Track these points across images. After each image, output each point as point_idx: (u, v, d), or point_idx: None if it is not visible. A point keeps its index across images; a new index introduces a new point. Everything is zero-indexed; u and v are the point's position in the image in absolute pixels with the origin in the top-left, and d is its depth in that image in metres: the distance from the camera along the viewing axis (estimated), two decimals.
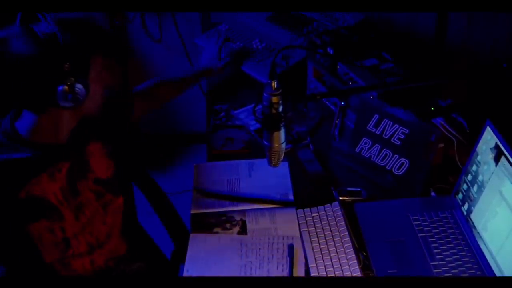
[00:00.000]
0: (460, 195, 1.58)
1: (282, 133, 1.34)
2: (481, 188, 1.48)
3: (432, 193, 1.66)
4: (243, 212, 1.66)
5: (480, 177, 1.49)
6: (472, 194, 1.51)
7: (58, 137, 1.47)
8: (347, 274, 1.45)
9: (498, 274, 1.38)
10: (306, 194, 1.71)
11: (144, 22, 2.56)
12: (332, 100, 1.94)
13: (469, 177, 1.54)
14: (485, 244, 1.44)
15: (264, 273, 1.48)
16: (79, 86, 1.35)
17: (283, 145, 1.36)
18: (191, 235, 1.60)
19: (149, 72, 2.73)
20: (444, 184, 1.67)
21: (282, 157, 1.39)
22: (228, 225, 1.63)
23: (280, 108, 1.30)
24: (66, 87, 1.33)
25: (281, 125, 1.31)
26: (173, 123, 2.99)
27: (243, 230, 1.61)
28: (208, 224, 1.63)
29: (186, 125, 2.98)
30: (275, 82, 1.26)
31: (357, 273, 1.45)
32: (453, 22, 2.27)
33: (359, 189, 1.69)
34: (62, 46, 1.33)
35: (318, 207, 1.65)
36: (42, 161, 1.46)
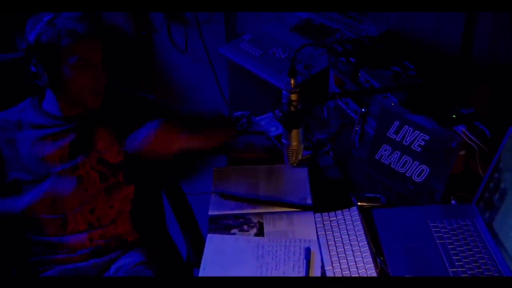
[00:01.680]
0: (481, 203, 1.55)
1: (300, 132, 1.33)
2: (503, 196, 1.45)
3: (453, 201, 1.63)
4: (260, 214, 1.66)
5: (502, 185, 1.46)
6: (494, 202, 1.48)
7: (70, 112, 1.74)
8: None
9: None
10: (325, 199, 1.69)
11: (170, 32, 2.60)
12: (353, 107, 1.94)
13: (491, 185, 1.51)
14: (507, 253, 1.41)
15: (279, 275, 1.47)
16: None
17: (301, 144, 1.36)
18: (209, 235, 1.59)
19: (174, 82, 2.75)
20: (465, 192, 1.64)
21: (300, 156, 1.39)
22: (245, 227, 1.62)
23: (299, 107, 1.29)
24: None
25: (300, 124, 1.31)
26: None
27: (260, 232, 1.60)
28: (225, 226, 1.62)
29: None
30: (294, 80, 1.26)
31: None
32: (479, 35, 2.25)
33: (378, 195, 1.67)
34: None
35: (336, 211, 1.64)
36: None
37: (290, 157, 1.38)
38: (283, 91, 1.27)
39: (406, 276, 1.40)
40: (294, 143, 1.34)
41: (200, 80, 2.73)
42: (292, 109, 1.27)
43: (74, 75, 1.65)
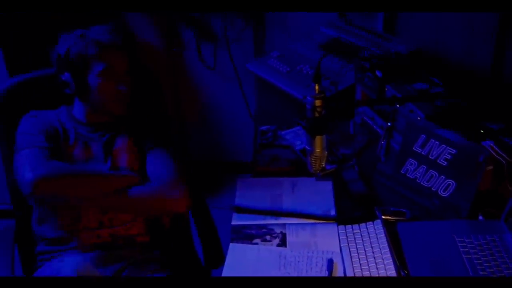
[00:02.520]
0: (510, 219, 1.51)
1: (324, 138, 1.33)
2: None
3: (480, 217, 1.60)
4: (283, 225, 1.64)
5: None
6: None
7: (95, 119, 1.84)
8: None
9: None
10: (349, 212, 1.68)
11: (199, 49, 2.64)
12: (379, 123, 1.92)
13: None
14: None
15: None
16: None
17: (325, 151, 1.35)
18: (231, 244, 1.59)
19: (202, 98, 2.78)
20: (493, 208, 1.60)
21: (323, 163, 1.38)
22: (268, 237, 1.61)
23: (323, 113, 1.29)
24: None
25: (324, 130, 1.30)
26: (221, 152, 3.01)
27: (282, 243, 1.59)
28: (248, 235, 1.62)
29: (233, 154, 3.00)
30: (319, 86, 1.26)
31: None
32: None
33: (403, 210, 1.65)
34: None
35: (360, 224, 1.61)
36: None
37: (314, 164, 1.37)
38: (308, 97, 1.27)
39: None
40: (318, 150, 1.33)
41: (227, 96, 2.75)
42: (316, 115, 1.26)
43: (99, 82, 1.74)
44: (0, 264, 1.72)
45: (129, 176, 1.76)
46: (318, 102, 1.26)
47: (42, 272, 1.71)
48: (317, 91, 1.26)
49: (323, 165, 1.38)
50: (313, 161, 1.36)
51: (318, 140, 1.32)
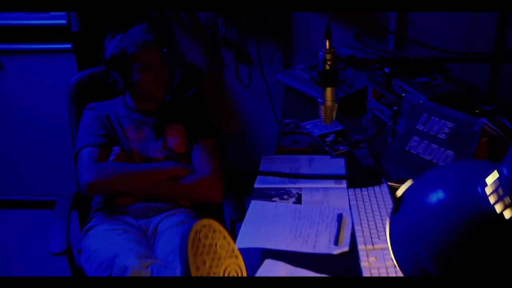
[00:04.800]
0: None
1: (334, 90, 1.32)
2: None
3: None
4: (299, 188, 1.63)
5: None
6: None
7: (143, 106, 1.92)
8: None
9: None
10: (359, 180, 1.65)
11: (237, 69, 2.70)
12: (387, 113, 1.91)
13: None
14: None
15: (313, 233, 1.42)
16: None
17: (335, 103, 1.34)
18: (252, 201, 1.58)
19: (238, 111, 2.82)
20: None
21: (334, 115, 1.36)
22: (285, 196, 1.60)
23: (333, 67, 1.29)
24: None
25: (334, 82, 1.30)
26: (253, 161, 3.01)
27: (298, 201, 1.57)
28: (267, 195, 1.61)
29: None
30: (329, 42, 1.27)
31: None
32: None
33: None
34: None
35: (368, 187, 1.59)
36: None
37: (324, 114, 1.36)
38: (319, 52, 1.27)
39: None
40: (329, 101, 1.33)
41: (259, 110, 2.79)
42: (327, 67, 1.27)
43: (140, 77, 1.79)
44: (60, 222, 1.75)
45: (172, 169, 1.77)
46: (328, 56, 1.27)
47: (95, 221, 1.73)
48: (327, 47, 1.27)
49: (334, 117, 1.36)
50: (324, 112, 1.35)
51: (329, 91, 1.32)
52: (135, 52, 1.79)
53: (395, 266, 1.26)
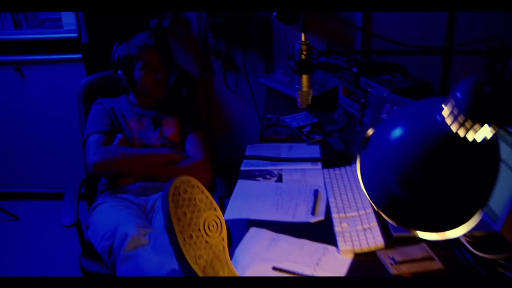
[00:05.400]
0: None
1: (309, 78, 1.27)
2: None
3: None
4: (280, 170, 1.57)
5: None
6: None
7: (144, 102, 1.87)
8: (361, 210, 1.29)
9: None
10: (332, 162, 1.59)
11: (225, 76, 2.63)
12: (356, 107, 1.86)
13: None
14: None
15: (292, 205, 1.36)
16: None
17: (310, 89, 1.28)
18: (239, 180, 1.52)
19: (226, 114, 2.75)
20: None
21: (310, 99, 1.31)
22: (268, 176, 1.54)
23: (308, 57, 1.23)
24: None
25: (309, 70, 1.24)
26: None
27: (279, 180, 1.51)
28: (252, 175, 1.55)
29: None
30: (304, 35, 1.22)
31: (369, 208, 1.29)
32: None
33: None
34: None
35: (340, 167, 1.53)
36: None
37: (301, 99, 1.30)
38: (296, 44, 1.22)
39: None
40: (305, 87, 1.27)
41: (244, 111, 2.73)
42: (303, 57, 1.21)
43: (142, 75, 1.74)
44: (70, 200, 1.67)
45: (168, 154, 1.72)
46: (304, 47, 1.22)
47: (101, 200, 1.66)
48: (303, 39, 1.21)
49: (309, 101, 1.30)
50: (301, 97, 1.29)
51: (305, 78, 1.26)
52: (138, 53, 1.77)
53: (364, 230, 1.20)
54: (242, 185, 1.48)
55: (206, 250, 0.85)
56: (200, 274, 0.83)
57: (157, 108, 1.84)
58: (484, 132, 0.59)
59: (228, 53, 2.57)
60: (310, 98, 1.30)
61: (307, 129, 1.84)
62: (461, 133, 0.60)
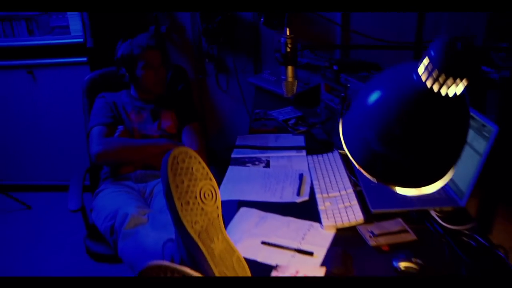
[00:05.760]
0: None
1: (294, 69, 1.25)
2: None
3: None
4: (268, 157, 1.55)
5: None
6: None
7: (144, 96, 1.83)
8: (342, 191, 1.28)
9: None
10: (315, 149, 1.57)
11: (217, 77, 2.61)
12: (337, 102, 1.84)
13: None
14: None
15: (279, 188, 1.34)
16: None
17: (295, 79, 1.26)
18: (230, 167, 1.49)
19: (218, 112, 2.72)
20: None
21: (295, 89, 1.29)
22: (256, 162, 1.52)
23: (293, 50, 1.21)
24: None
25: (294, 62, 1.22)
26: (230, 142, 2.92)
27: (267, 166, 1.49)
28: (242, 162, 1.52)
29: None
30: (289, 30, 1.20)
31: (350, 188, 1.27)
32: None
33: None
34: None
35: (323, 154, 1.52)
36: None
37: (286, 88, 1.28)
38: (282, 38, 1.20)
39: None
40: (290, 77, 1.25)
41: (235, 109, 2.70)
42: (288, 49, 1.19)
43: (143, 73, 1.71)
44: (76, 188, 1.64)
45: (165, 144, 1.70)
46: (289, 41, 1.20)
47: (103, 186, 1.62)
48: (288, 33, 1.19)
49: (294, 91, 1.28)
50: (286, 87, 1.27)
51: (290, 69, 1.25)
52: (140, 53, 1.74)
53: (346, 208, 1.18)
54: (233, 170, 1.46)
55: (202, 217, 0.83)
56: (196, 239, 0.81)
57: (156, 102, 1.82)
58: (456, 86, 0.58)
59: (220, 56, 2.55)
60: (295, 88, 1.28)
61: (292, 121, 1.83)
62: (435, 88, 0.59)
